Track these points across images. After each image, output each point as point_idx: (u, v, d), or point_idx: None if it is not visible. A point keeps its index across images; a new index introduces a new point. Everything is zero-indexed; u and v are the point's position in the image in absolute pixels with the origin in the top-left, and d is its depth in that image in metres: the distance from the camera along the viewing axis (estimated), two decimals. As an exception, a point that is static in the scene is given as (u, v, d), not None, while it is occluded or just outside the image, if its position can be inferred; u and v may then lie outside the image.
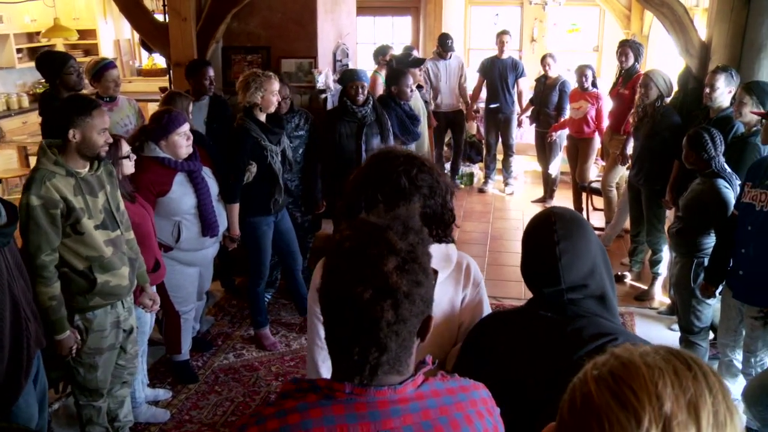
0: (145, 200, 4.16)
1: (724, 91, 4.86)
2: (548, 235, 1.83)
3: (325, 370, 2.10)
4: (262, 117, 4.85)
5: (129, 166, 3.95)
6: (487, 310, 2.18)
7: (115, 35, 11.68)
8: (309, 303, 2.19)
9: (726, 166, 4.34)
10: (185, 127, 4.31)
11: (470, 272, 2.17)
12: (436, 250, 2.03)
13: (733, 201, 4.16)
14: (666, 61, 8.34)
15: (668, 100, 5.75)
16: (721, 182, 4.28)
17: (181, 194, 4.37)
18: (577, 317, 1.78)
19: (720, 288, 4.23)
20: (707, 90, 4.92)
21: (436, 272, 1.47)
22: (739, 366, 4.15)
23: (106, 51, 11.42)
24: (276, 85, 4.80)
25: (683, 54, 5.69)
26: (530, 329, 1.82)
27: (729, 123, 4.76)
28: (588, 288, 1.81)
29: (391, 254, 1.31)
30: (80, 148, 3.32)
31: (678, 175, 5.25)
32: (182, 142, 4.28)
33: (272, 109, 4.84)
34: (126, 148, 3.93)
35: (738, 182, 4.23)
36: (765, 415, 3.67)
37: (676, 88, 5.99)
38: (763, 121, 3.79)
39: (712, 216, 4.27)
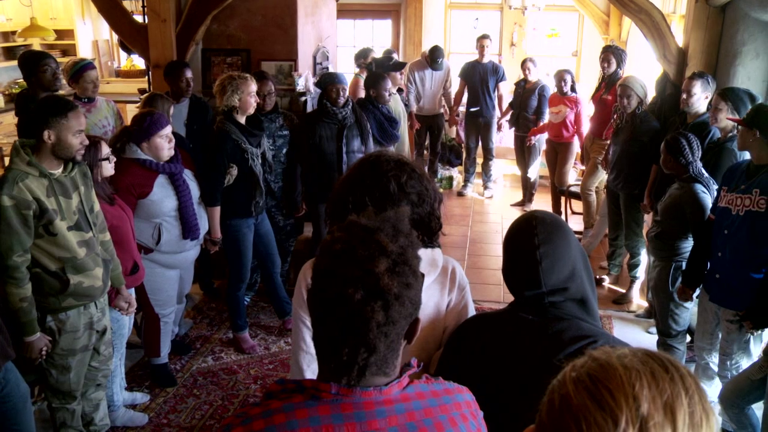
0: (125, 202, 4.14)
1: (700, 97, 4.92)
2: (529, 239, 1.85)
3: (310, 374, 2.10)
4: (242, 119, 4.84)
5: (108, 168, 3.92)
6: (471, 313, 2.19)
7: (93, 36, 11.57)
8: (294, 307, 2.18)
9: (703, 171, 4.39)
10: (167, 130, 4.29)
11: (456, 276, 2.18)
12: (423, 254, 2.04)
13: (710, 205, 4.20)
14: (644, 67, 8.40)
15: (647, 102, 5.81)
16: (699, 187, 4.32)
17: (162, 196, 4.34)
18: (558, 320, 1.79)
19: (697, 291, 4.28)
20: (684, 96, 4.98)
21: (423, 275, 1.48)
22: (716, 369, 4.18)
23: (84, 51, 11.31)
24: (253, 86, 4.79)
25: (661, 60, 5.74)
26: (511, 332, 1.83)
27: (706, 128, 4.82)
28: (568, 291, 1.82)
29: (382, 256, 1.32)
30: (55, 149, 3.29)
31: (656, 179, 5.30)
32: (164, 144, 4.26)
33: (251, 111, 4.83)
34: (106, 150, 3.90)
35: (715, 187, 4.27)
36: (741, 417, 3.71)
37: (653, 93, 6.05)
38: (739, 127, 3.83)
39: (689, 220, 4.31)
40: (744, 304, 3.77)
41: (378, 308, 1.30)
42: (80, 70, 5.26)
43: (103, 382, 3.92)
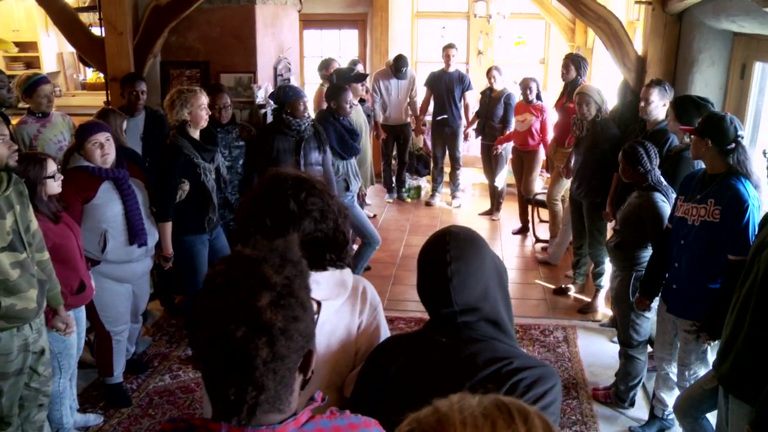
0: (72, 212, 4.12)
1: (658, 105, 4.91)
2: (441, 255, 1.79)
3: None
4: (196, 133, 4.78)
5: (54, 186, 3.85)
6: (385, 334, 2.13)
7: (58, 48, 11.40)
8: None
9: (662, 179, 4.37)
10: (99, 136, 4.26)
11: (366, 296, 2.12)
12: (330, 276, 1.98)
13: (668, 214, 4.17)
14: (609, 74, 8.41)
15: (607, 110, 5.81)
16: (658, 196, 4.30)
17: (107, 200, 4.32)
18: (472, 341, 1.74)
19: (656, 301, 4.25)
20: (642, 104, 4.98)
21: (319, 303, 1.42)
22: (675, 379, 4.15)
23: (49, 64, 11.17)
24: (203, 99, 4.74)
25: (620, 67, 5.75)
26: (426, 354, 1.78)
27: (664, 136, 4.82)
28: (481, 311, 1.77)
29: (265, 289, 1.25)
30: None
31: (618, 187, 5.28)
32: (95, 150, 4.27)
33: (203, 124, 4.78)
34: (52, 167, 3.82)
35: (674, 196, 4.25)
36: (695, 426, 3.67)
37: (615, 100, 6.05)
38: (692, 136, 3.80)
39: (648, 229, 4.29)
40: (701, 315, 3.74)
41: (262, 344, 1.23)
42: (33, 84, 5.18)
43: (45, 402, 3.79)
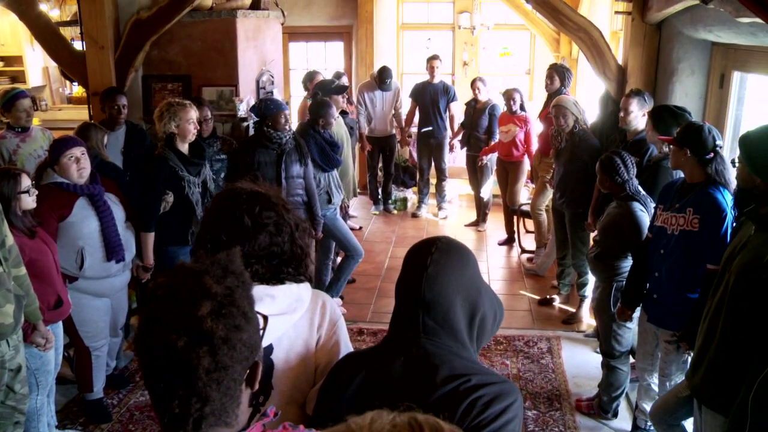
0: (48, 227, 4.09)
1: (637, 115, 4.91)
2: (427, 249, 1.79)
3: None
4: (184, 147, 4.81)
5: (29, 201, 3.82)
6: (345, 350, 2.10)
7: (43, 62, 11.39)
8: None
9: (640, 189, 4.36)
10: (74, 151, 4.24)
11: (326, 311, 2.10)
12: (287, 290, 1.97)
13: (647, 224, 4.17)
14: (594, 84, 8.42)
15: (589, 123, 5.81)
16: (637, 205, 4.29)
17: (83, 217, 4.29)
18: (432, 356, 1.72)
19: (638, 312, 4.23)
20: (622, 113, 4.98)
21: (265, 318, 1.40)
22: (657, 390, 4.14)
23: (35, 78, 11.17)
24: (192, 113, 4.76)
25: (601, 77, 5.77)
26: (385, 372, 1.75)
27: (644, 146, 4.82)
28: (446, 316, 1.75)
29: (205, 298, 1.25)
30: None
31: (599, 198, 5.27)
32: (71, 165, 4.24)
33: (191, 138, 4.79)
34: (26, 183, 3.80)
35: (653, 205, 4.24)
36: (669, 433, 3.66)
37: (597, 110, 6.06)
38: (671, 146, 3.80)
39: (627, 239, 4.28)
40: (681, 325, 3.73)
41: (204, 354, 1.23)
42: (11, 99, 5.16)
43: (21, 420, 3.75)
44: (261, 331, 1.39)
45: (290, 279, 2.01)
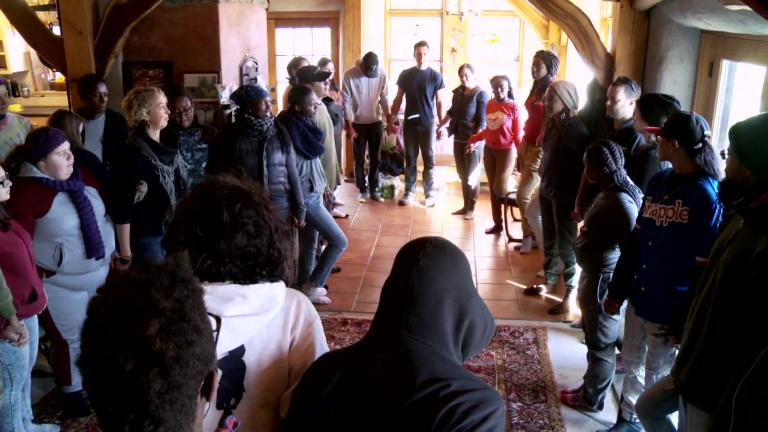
0: (24, 222, 3.93)
1: (625, 103, 4.85)
2: (415, 253, 1.74)
3: None
4: (156, 135, 4.70)
5: (2, 193, 3.70)
6: (321, 351, 2.01)
7: (25, 47, 11.18)
8: None
9: (629, 179, 4.30)
10: (64, 146, 4.09)
11: (300, 311, 2.00)
12: (260, 290, 1.87)
13: (636, 215, 4.10)
14: (583, 71, 8.35)
15: (577, 111, 5.73)
16: (625, 196, 4.23)
17: (62, 214, 4.15)
18: (413, 357, 1.64)
19: (625, 304, 4.17)
20: (609, 102, 4.92)
21: (219, 319, 1.31)
22: (643, 382, 4.09)
23: (16, 63, 11.00)
24: (161, 98, 4.66)
25: (589, 65, 5.69)
26: (362, 372, 1.68)
27: (631, 135, 4.74)
28: (432, 314, 1.68)
29: (153, 316, 1.15)
30: None
31: (585, 188, 5.20)
32: (62, 161, 4.07)
33: (163, 123, 4.70)
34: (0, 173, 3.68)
35: (641, 196, 4.18)
36: (655, 426, 3.60)
37: (585, 98, 5.98)
38: (658, 137, 3.73)
39: (615, 230, 4.21)
40: (669, 318, 3.66)
41: (155, 376, 1.13)
42: (-16, 87, 5.03)
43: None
44: (215, 333, 1.30)
45: (264, 279, 1.92)
